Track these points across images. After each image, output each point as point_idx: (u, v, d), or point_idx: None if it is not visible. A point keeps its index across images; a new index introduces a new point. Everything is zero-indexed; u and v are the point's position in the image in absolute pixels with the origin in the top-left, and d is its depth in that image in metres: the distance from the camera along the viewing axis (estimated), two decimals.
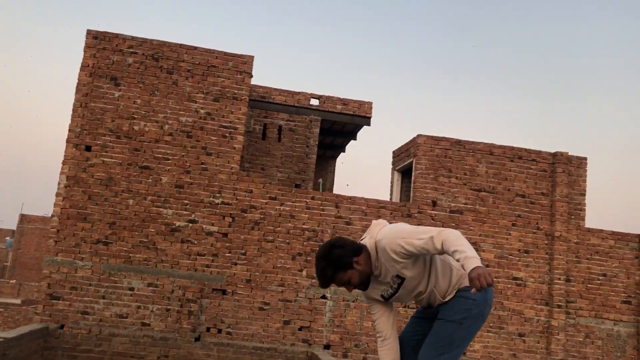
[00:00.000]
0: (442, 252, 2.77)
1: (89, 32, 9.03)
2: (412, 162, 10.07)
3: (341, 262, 2.89)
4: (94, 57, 8.97)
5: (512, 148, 9.95)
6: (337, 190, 14.18)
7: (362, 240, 3.03)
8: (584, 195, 10.06)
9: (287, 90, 11.43)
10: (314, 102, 11.58)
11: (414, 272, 2.91)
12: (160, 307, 8.54)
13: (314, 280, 8.94)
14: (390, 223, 3.07)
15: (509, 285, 9.49)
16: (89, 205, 8.62)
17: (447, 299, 2.96)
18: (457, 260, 2.71)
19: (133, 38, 9.12)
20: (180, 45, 9.22)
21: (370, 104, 11.80)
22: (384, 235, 2.88)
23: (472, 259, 2.63)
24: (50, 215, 12.96)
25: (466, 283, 2.89)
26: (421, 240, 2.77)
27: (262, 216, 9.00)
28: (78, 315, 8.36)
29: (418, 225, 2.94)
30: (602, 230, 9.94)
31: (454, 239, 2.71)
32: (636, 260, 9.88)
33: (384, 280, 2.97)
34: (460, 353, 2.92)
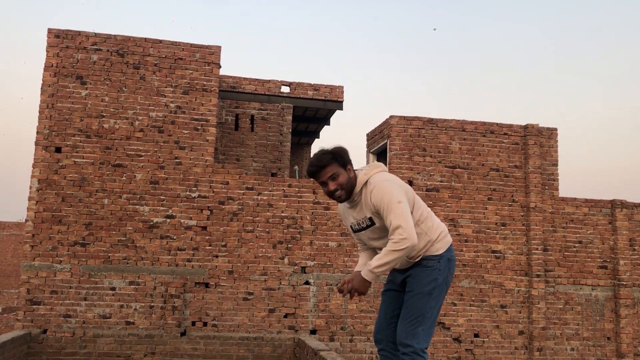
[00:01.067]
0: (385, 243, 2.93)
1: (50, 31, 8.83)
2: (386, 143, 10.12)
3: (341, 156, 2.97)
4: (58, 56, 8.79)
5: (483, 123, 10.05)
6: None
7: (356, 170, 3.10)
8: (556, 165, 10.23)
9: (257, 79, 11.36)
10: (285, 89, 11.53)
11: (381, 225, 2.99)
12: (143, 304, 8.49)
13: (296, 267, 8.98)
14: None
15: (488, 259, 9.64)
16: (63, 207, 8.50)
17: (412, 262, 3.06)
18: (371, 262, 2.90)
19: (96, 35, 8.95)
20: (146, 40, 9.08)
21: (341, 88, 11.79)
22: (377, 181, 2.95)
23: (371, 271, 2.87)
24: (24, 220, 12.74)
25: (433, 252, 3.06)
26: (391, 218, 2.86)
27: (240, 207, 8.97)
28: (60, 319, 8.27)
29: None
30: (575, 198, 10.14)
31: (391, 255, 2.84)
32: (609, 226, 10.11)
33: (357, 216, 3.07)
34: (434, 322, 3.06)
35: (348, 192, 2.99)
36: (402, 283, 3.16)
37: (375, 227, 3.01)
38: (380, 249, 3.03)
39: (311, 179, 9.52)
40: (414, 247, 2.87)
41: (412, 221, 2.89)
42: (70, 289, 8.36)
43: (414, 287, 3.03)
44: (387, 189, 2.90)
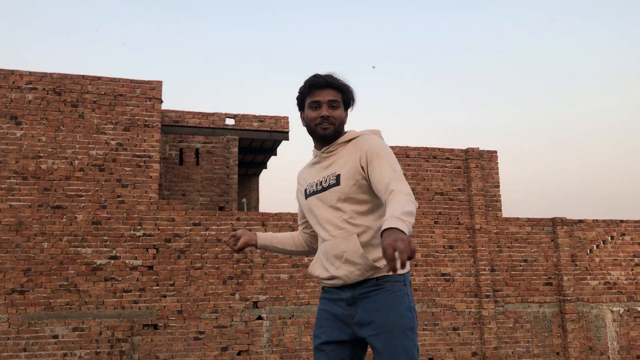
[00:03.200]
0: (336, 218, 2.25)
1: None
2: None
3: (350, 96, 2.41)
4: None
5: (426, 149, 10.27)
6: (262, 207, 14.10)
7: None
8: (497, 187, 10.53)
9: (200, 112, 11.26)
10: (230, 121, 11.47)
11: (350, 188, 2.26)
12: (88, 351, 8.12)
13: (248, 302, 8.82)
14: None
15: (438, 282, 9.75)
16: None
17: (365, 272, 2.19)
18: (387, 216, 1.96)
19: (31, 73, 8.68)
20: (83, 77, 8.88)
21: (286, 118, 11.83)
22: (375, 138, 2.34)
23: (402, 219, 1.91)
24: None
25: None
26: (389, 174, 2.16)
27: (187, 244, 8.78)
28: None
29: None
30: (518, 218, 10.43)
31: (409, 204, 2.03)
32: (552, 243, 10.43)
33: (319, 174, 2.39)
34: None
35: (334, 133, 2.36)
36: (346, 323, 2.24)
37: (337, 188, 2.26)
38: (329, 223, 2.28)
39: (259, 212, 9.44)
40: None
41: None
42: (8, 340, 7.91)
43: (389, 325, 2.14)
44: (387, 148, 2.28)
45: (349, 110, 2.45)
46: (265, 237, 2.61)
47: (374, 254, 2.19)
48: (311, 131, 2.40)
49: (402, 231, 1.84)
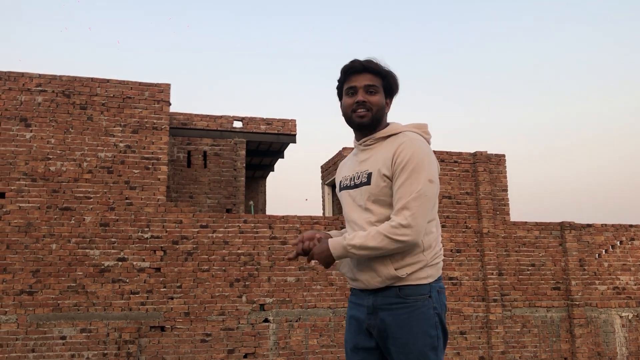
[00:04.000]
0: (361, 219, 2.17)
1: None
2: None
3: (392, 82, 2.24)
4: (0, 98, 8.53)
5: (433, 152, 10.23)
6: (269, 210, 14.12)
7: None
8: (505, 190, 10.48)
9: (208, 115, 11.30)
10: (237, 124, 11.50)
11: (382, 190, 2.12)
12: (96, 352, 8.15)
13: (255, 305, 8.82)
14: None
15: (446, 286, 9.70)
16: (8, 254, 8.14)
17: (385, 280, 2.09)
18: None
19: (41, 76, 8.74)
20: (92, 79, 8.93)
21: (294, 121, 11.84)
22: (416, 139, 2.15)
23: (345, 246, 2.04)
24: None
25: (419, 279, 2.08)
26: (406, 191, 2.04)
27: (194, 246, 8.80)
28: None
29: None
30: (526, 222, 10.39)
31: (380, 240, 2.02)
32: (560, 248, 10.38)
33: (356, 168, 2.24)
34: None
35: (372, 121, 2.19)
36: (369, 331, 2.16)
37: (367, 188, 2.13)
38: (356, 224, 2.18)
39: (266, 214, 9.44)
40: (410, 246, 2.03)
41: (426, 218, 2.06)
42: (16, 341, 7.95)
43: (408, 346, 2.02)
44: (425, 154, 2.11)
45: (392, 99, 2.27)
46: (336, 241, 2.34)
47: (397, 262, 2.07)
48: (348, 120, 2.24)
49: (329, 251, 2.10)
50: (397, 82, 2.25)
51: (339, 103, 2.31)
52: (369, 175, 2.13)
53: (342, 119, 2.28)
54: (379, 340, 2.11)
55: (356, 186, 2.18)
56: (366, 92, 2.18)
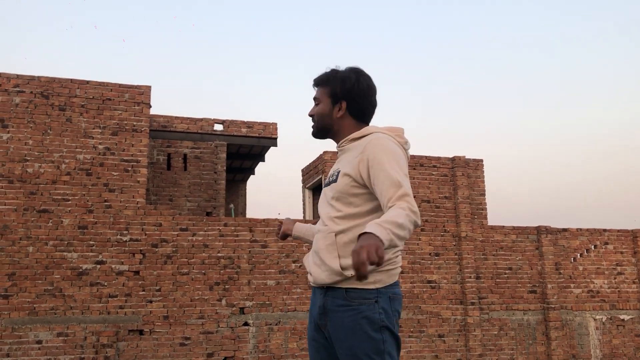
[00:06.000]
0: (327, 214, 2.18)
1: None
2: (321, 178, 10.22)
3: (338, 85, 2.27)
4: None
5: (412, 156, 10.35)
6: (250, 213, 14.10)
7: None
8: (483, 195, 10.63)
9: (189, 118, 11.26)
10: (218, 127, 11.48)
11: (344, 187, 2.15)
12: (73, 356, 8.06)
13: (234, 308, 8.81)
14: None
15: (424, 289, 9.81)
16: None
17: (332, 276, 2.07)
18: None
19: (19, 76, 8.64)
20: (72, 80, 8.85)
21: (275, 125, 11.86)
22: (385, 138, 2.13)
23: (386, 228, 1.79)
24: None
25: (369, 283, 2.02)
26: (387, 182, 2.00)
27: (174, 249, 8.76)
28: None
29: None
30: (503, 226, 10.54)
31: (406, 218, 1.88)
32: (536, 252, 10.54)
33: (335, 165, 2.32)
34: None
35: (319, 130, 2.33)
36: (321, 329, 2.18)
37: (334, 185, 2.18)
38: (321, 219, 2.22)
39: (247, 218, 9.45)
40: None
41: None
42: None
43: (353, 350, 2.02)
44: (395, 151, 2.10)
45: (349, 99, 2.26)
46: (301, 227, 2.55)
47: (346, 259, 2.02)
48: None
49: (377, 236, 1.72)
50: (344, 82, 2.25)
51: None
52: (339, 173, 2.19)
53: None
54: (330, 341, 2.14)
55: (329, 184, 2.25)
56: (315, 105, 2.35)
